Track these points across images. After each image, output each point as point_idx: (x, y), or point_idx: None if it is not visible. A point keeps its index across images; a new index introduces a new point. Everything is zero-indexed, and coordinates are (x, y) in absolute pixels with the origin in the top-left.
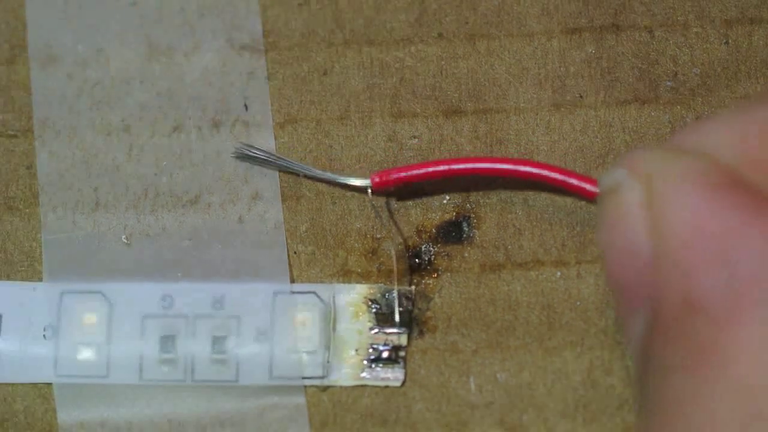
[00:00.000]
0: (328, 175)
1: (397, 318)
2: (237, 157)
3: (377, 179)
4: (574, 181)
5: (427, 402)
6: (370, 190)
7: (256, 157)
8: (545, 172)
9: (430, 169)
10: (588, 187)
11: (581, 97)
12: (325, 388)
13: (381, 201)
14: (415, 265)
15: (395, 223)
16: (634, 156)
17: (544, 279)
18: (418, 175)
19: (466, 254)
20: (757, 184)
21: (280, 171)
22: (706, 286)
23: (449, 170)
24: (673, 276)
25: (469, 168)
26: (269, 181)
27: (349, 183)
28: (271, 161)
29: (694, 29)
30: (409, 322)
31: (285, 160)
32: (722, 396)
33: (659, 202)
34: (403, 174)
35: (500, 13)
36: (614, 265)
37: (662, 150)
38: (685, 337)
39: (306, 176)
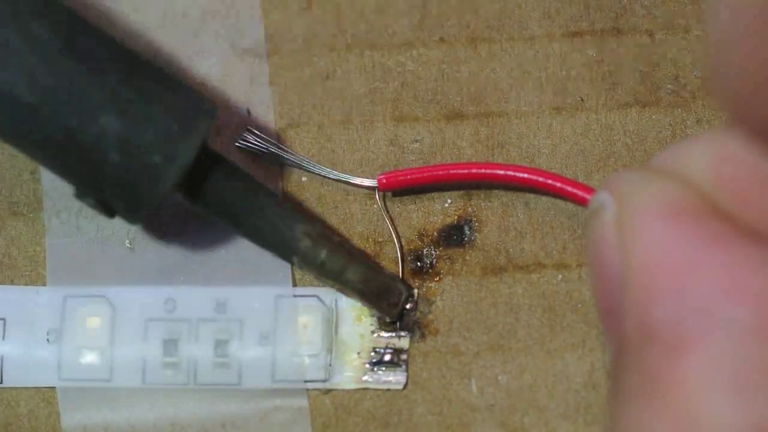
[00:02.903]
0: (335, 173)
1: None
2: (241, 148)
3: (384, 180)
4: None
5: (429, 404)
6: (377, 191)
7: (261, 149)
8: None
9: (438, 173)
10: (587, 196)
11: (582, 100)
12: (328, 391)
13: (382, 205)
14: (417, 269)
15: (395, 229)
16: (615, 178)
17: (546, 282)
18: (424, 178)
19: (468, 257)
20: (727, 209)
21: (283, 164)
22: (659, 315)
23: (455, 174)
24: (633, 303)
25: (476, 173)
26: (271, 186)
27: (357, 183)
28: (275, 153)
29: (695, 32)
30: (410, 325)
31: (291, 152)
32: (667, 428)
33: (627, 228)
34: (410, 176)
35: (501, 16)
36: (595, 288)
37: (638, 173)
38: (640, 366)
39: (310, 171)
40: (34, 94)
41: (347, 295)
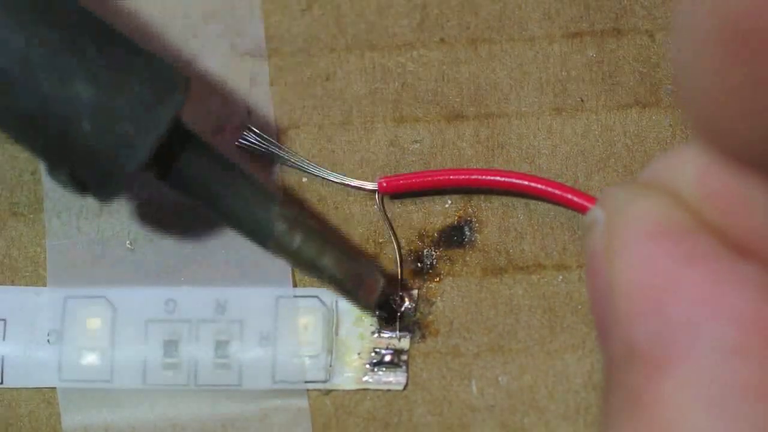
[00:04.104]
0: (335, 175)
1: (398, 322)
2: (241, 147)
3: (385, 184)
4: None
5: (429, 405)
6: (377, 194)
7: (261, 149)
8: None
9: (438, 178)
10: (587, 204)
11: (582, 101)
12: (328, 392)
13: (381, 208)
14: (418, 269)
15: (394, 233)
16: (607, 194)
17: (546, 282)
18: (425, 183)
19: (468, 258)
20: (714, 222)
21: (284, 165)
22: (640, 334)
23: (455, 180)
24: (617, 321)
25: (476, 179)
26: (271, 186)
27: (357, 186)
28: (275, 153)
29: None
30: (411, 325)
31: (291, 153)
32: None
33: (613, 247)
34: (410, 181)
35: (502, 17)
36: (590, 303)
37: (627, 189)
38: (624, 384)
39: (311, 174)
40: (5, 57)
41: (324, 283)
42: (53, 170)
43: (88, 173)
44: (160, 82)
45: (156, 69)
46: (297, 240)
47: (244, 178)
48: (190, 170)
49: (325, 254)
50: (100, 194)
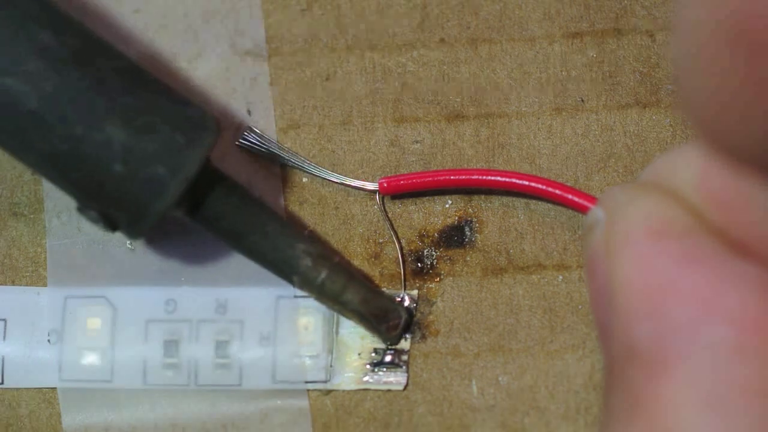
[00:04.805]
0: (336, 176)
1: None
2: (242, 147)
3: (385, 184)
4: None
5: (430, 405)
6: (378, 195)
7: (261, 149)
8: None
9: (439, 178)
10: (587, 204)
11: (583, 101)
12: (328, 392)
13: (382, 208)
14: (418, 269)
15: (396, 233)
16: (607, 194)
17: (546, 283)
18: (425, 183)
19: (468, 258)
20: (715, 221)
21: (284, 165)
22: (640, 334)
23: (456, 180)
24: (618, 322)
25: (477, 179)
26: (272, 186)
27: (358, 186)
28: (276, 153)
29: None
30: (411, 325)
31: (291, 153)
32: None
33: (613, 247)
34: (411, 181)
35: (502, 17)
36: (591, 303)
37: (627, 190)
38: (624, 385)
39: (311, 173)
40: (40, 101)
41: (347, 317)
42: (84, 208)
43: (119, 212)
44: (189, 124)
45: (185, 111)
46: (322, 275)
47: (270, 215)
48: (217, 209)
49: (349, 289)
50: (130, 232)
